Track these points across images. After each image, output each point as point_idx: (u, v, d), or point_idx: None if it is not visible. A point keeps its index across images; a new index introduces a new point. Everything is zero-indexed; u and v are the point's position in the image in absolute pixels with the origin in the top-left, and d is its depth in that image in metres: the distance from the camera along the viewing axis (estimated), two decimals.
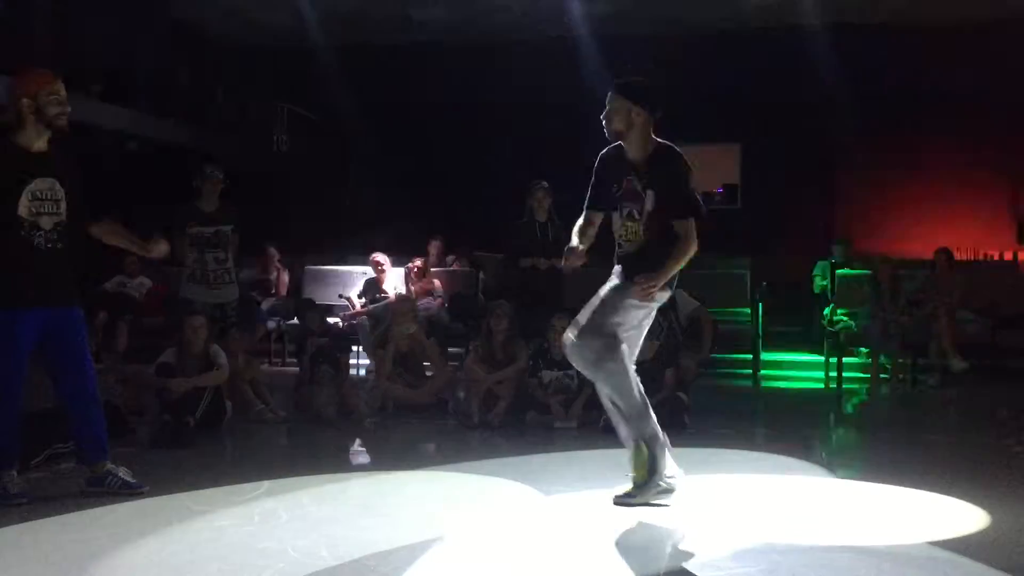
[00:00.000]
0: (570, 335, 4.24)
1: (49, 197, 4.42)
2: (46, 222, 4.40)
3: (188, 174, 7.27)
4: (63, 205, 4.46)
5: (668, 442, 4.29)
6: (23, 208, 4.35)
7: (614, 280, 4.30)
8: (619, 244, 4.34)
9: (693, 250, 4.12)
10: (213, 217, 7.00)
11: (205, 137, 12.46)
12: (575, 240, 4.36)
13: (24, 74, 4.43)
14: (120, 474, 4.60)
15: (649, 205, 4.16)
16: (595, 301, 4.25)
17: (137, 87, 11.88)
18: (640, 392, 4.22)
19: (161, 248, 4.74)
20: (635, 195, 4.21)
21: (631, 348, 4.26)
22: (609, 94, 4.16)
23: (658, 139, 4.20)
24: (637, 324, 4.26)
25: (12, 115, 4.36)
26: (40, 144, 4.45)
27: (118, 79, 11.54)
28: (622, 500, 4.25)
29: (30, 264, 4.38)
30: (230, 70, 13.78)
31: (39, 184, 4.39)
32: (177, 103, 12.46)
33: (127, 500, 4.47)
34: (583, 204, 4.42)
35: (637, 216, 4.21)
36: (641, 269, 4.15)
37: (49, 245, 4.42)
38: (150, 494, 4.57)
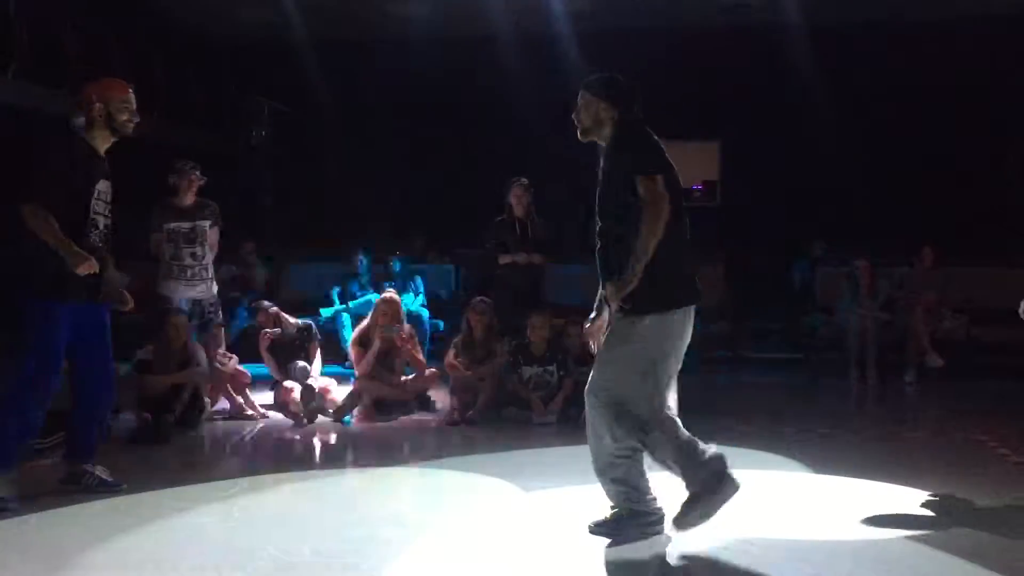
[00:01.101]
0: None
1: (107, 199, 4.61)
2: (101, 222, 4.57)
3: (164, 169, 7.22)
4: (110, 208, 4.64)
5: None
6: (90, 207, 4.49)
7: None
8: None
9: (662, 213, 3.64)
10: (189, 212, 6.95)
11: (180, 131, 12.37)
12: None
13: (101, 81, 4.66)
14: (97, 472, 4.59)
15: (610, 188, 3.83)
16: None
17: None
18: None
19: (85, 265, 4.53)
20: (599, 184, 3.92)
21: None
22: (580, 92, 3.96)
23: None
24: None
25: (84, 118, 4.55)
26: (105, 147, 4.64)
27: (92, 72, 11.44)
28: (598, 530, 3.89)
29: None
30: (205, 64, 13.68)
31: (102, 185, 4.57)
32: (153, 98, 12.36)
33: (105, 497, 4.44)
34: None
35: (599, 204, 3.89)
36: (605, 265, 3.84)
37: (101, 244, 4.55)
38: (128, 491, 4.55)
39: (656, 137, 3.88)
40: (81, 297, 4.44)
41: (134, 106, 4.66)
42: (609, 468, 3.83)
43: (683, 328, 3.79)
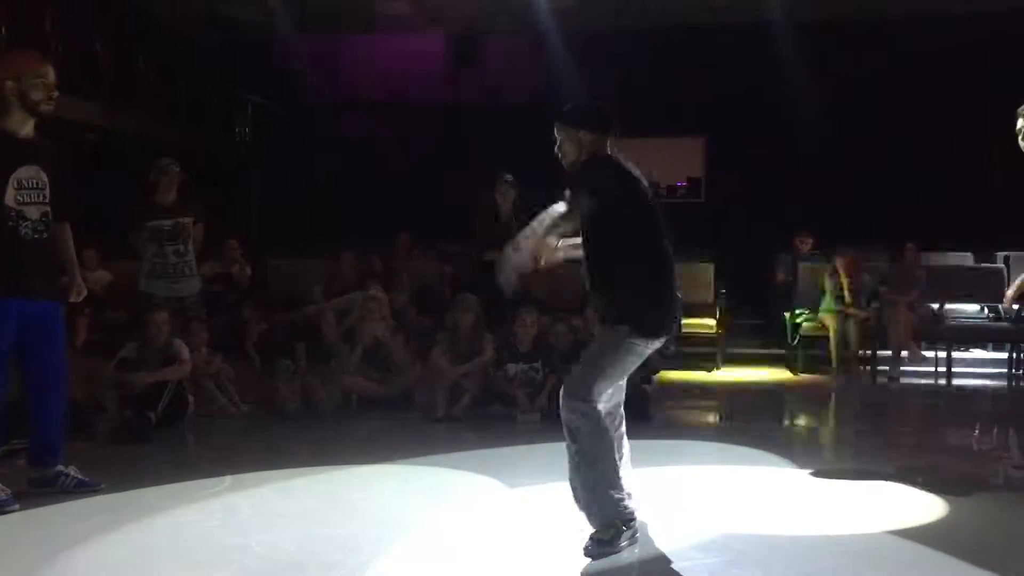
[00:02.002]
0: None
1: (35, 186, 4.28)
2: (32, 212, 4.27)
3: (149, 166, 7.18)
4: (47, 194, 4.33)
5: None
6: (9, 197, 4.21)
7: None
8: None
9: (558, 230, 3.70)
10: (171, 210, 6.91)
11: (166, 128, 12.30)
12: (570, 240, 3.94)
13: (8, 55, 4.28)
14: (72, 473, 4.49)
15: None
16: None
17: (96, 77, 11.71)
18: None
19: (76, 291, 4.57)
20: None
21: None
22: (555, 130, 3.88)
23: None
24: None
25: None
26: (26, 130, 4.30)
27: (77, 69, 11.37)
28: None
29: (16, 254, 4.23)
30: (191, 61, 13.61)
31: (24, 172, 4.24)
32: (138, 94, 12.30)
33: (84, 497, 4.40)
34: (550, 200, 4.17)
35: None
36: (596, 304, 3.89)
37: (36, 235, 4.29)
38: (109, 490, 4.51)
39: (625, 166, 3.80)
40: (30, 292, 4.25)
41: (51, 80, 4.26)
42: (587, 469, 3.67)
43: (649, 351, 3.79)
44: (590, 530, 3.67)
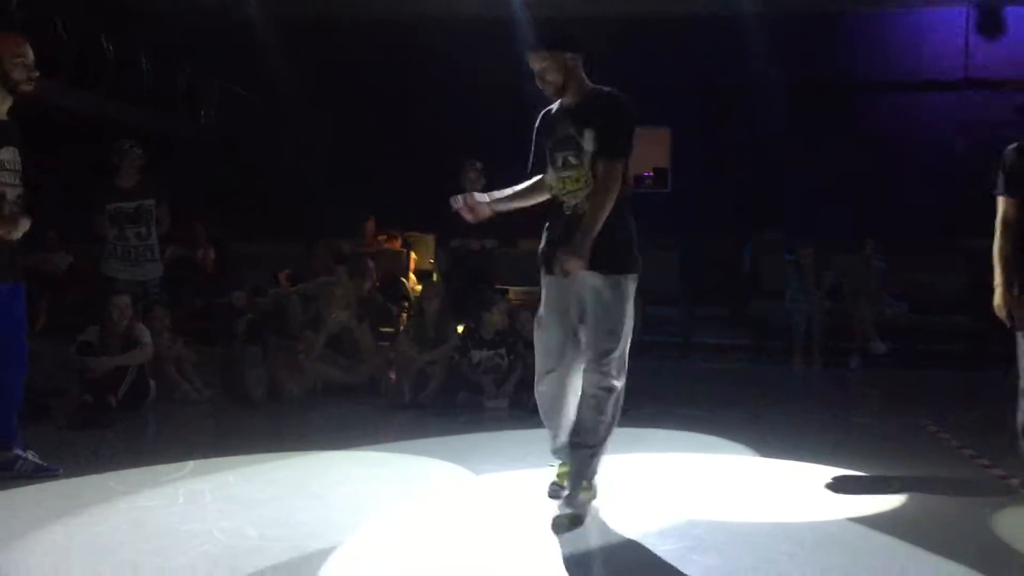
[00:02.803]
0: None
1: (12, 168, 4.21)
2: (10, 193, 4.19)
3: (111, 149, 7.09)
4: (21, 176, 4.25)
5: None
6: None
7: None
8: (561, 205, 3.98)
9: (615, 194, 3.81)
10: (133, 192, 6.83)
11: (130, 110, 12.13)
12: (503, 192, 4.13)
13: None
14: (30, 457, 4.43)
15: (588, 145, 3.84)
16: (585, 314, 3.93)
17: (61, 59, 11.52)
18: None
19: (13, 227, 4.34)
20: (568, 140, 3.91)
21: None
22: (533, 55, 3.90)
23: (595, 84, 3.97)
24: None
25: None
26: (4, 111, 4.23)
27: (41, 50, 11.17)
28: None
29: None
30: (157, 42, 13.41)
31: (3, 154, 4.18)
32: (102, 75, 12.10)
33: (42, 482, 4.35)
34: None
35: (574, 161, 3.89)
36: (597, 244, 3.84)
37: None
38: (69, 475, 4.46)
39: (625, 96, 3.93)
40: (4, 278, 4.18)
41: (30, 60, 4.22)
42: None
43: None
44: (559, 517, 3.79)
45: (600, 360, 3.89)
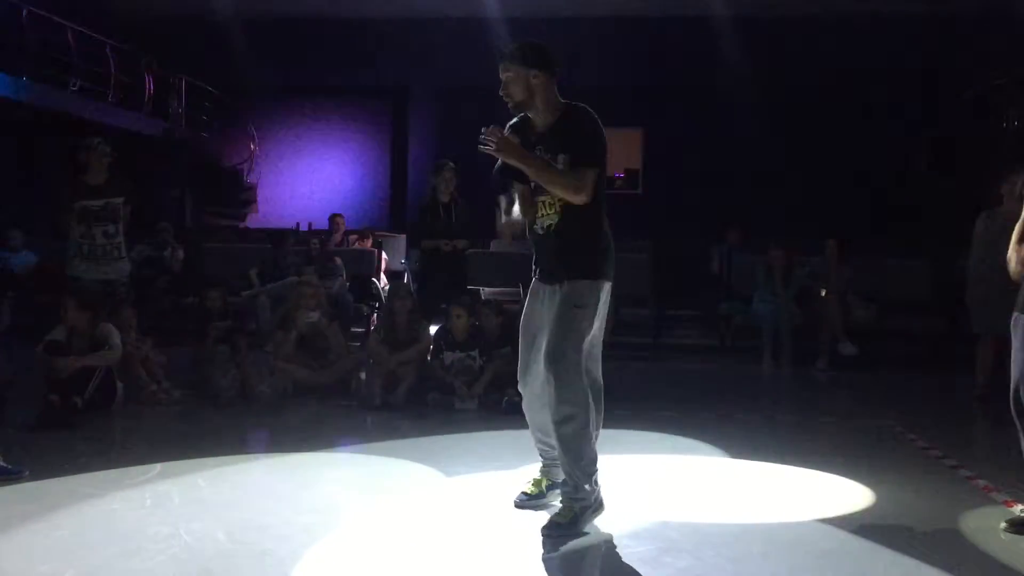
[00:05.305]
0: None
1: None
2: None
3: (79, 146, 7.00)
4: None
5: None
6: None
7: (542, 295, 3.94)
8: (534, 224, 3.98)
9: (575, 197, 3.75)
10: (101, 190, 6.74)
11: (98, 109, 11.99)
12: (517, 214, 4.04)
13: None
14: None
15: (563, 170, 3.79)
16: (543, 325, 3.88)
17: (25, 54, 11.37)
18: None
19: None
20: None
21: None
22: (500, 65, 3.87)
23: (565, 100, 3.92)
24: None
25: None
26: None
27: (4, 45, 11.02)
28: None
29: None
30: (125, 39, 13.27)
31: None
32: (69, 72, 11.96)
33: (6, 484, 4.28)
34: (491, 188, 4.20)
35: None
36: (563, 255, 3.84)
37: None
38: (34, 477, 4.39)
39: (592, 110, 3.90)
40: None
41: None
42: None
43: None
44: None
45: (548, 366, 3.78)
